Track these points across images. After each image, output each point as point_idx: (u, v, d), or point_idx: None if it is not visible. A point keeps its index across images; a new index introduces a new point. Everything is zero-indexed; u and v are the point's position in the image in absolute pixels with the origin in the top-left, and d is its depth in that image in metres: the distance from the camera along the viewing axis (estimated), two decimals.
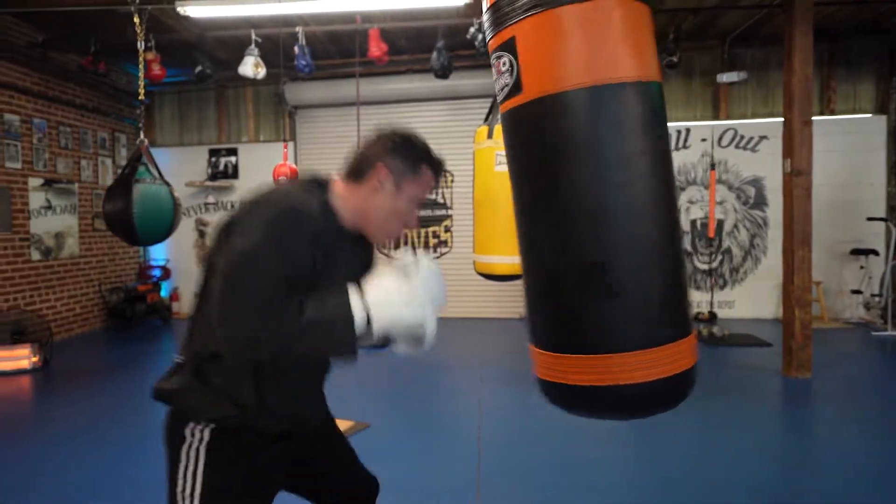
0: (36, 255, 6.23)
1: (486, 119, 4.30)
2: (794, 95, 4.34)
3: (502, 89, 1.37)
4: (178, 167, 7.94)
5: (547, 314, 1.43)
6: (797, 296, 4.44)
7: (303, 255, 1.25)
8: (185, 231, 8.01)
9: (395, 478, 2.89)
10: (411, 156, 1.38)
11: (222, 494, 1.33)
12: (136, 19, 4.46)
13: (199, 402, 1.33)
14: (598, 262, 1.30)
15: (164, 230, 3.84)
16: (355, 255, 1.43)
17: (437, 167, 1.44)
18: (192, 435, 1.33)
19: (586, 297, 1.32)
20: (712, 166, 6.42)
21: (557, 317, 1.39)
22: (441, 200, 7.74)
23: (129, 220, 3.64)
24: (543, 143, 1.35)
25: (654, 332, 1.32)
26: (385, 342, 1.39)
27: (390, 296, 1.26)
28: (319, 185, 1.40)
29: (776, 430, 3.63)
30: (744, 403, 3.96)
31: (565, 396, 1.44)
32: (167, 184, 3.90)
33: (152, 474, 3.00)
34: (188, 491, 1.32)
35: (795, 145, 4.38)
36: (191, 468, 1.33)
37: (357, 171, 1.38)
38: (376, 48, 5.81)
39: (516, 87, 1.35)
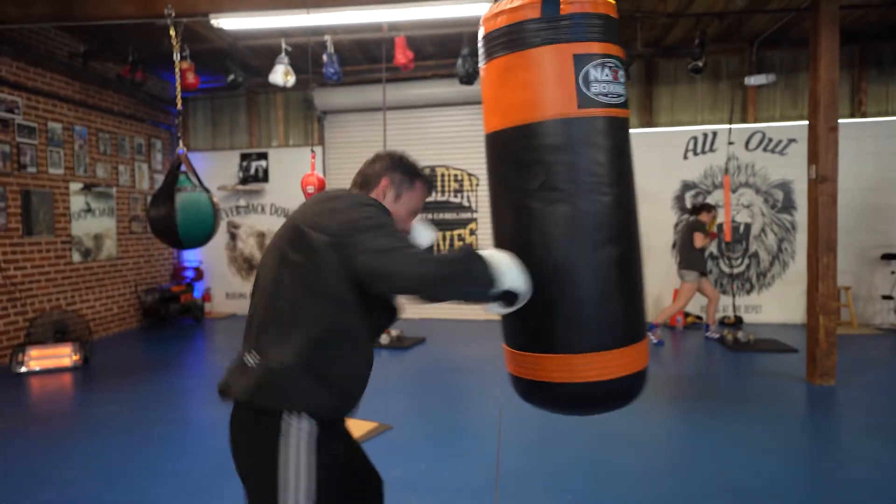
0: (76, 257, 6.50)
1: None
2: (820, 101, 4.32)
3: (618, 96, 1.53)
4: (211, 171, 8.18)
5: (513, 317, 1.61)
6: (822, 303, 4.41)
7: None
8: (218, 234, 8.23)
9: (415, 479, 3.00)
10: (408, 171, 1.64)
11: (334, 490, 1.42)
12: (172, 31, 4.64)
13: (302, 389, 1.38)
14: (552, 271, 1.51)
15: (205, 234, 4.04)
16: None
17: (428, 182, 1.68)
18: (292, 426, 1.36)
19: (543, 303, 1.52)
20: (726, 171, 6.38)
21: (522, 320, 1.58)
22: (466, 204, 7.83)
23: (172, 225, 3.83)
24: (619, 154, 1.56)
25: (602, 338, 1.51)
26: (502, 299, 1.48)
27: (504, 260, 1.44)
28: None
29: (796, 438, 3.63)
30: (766, 410, 3.96)
31: (527, 391, 1.66)
32: (207, 190, 4.08)
33: (187, 469, 3.15)
34: (300, 489, 1.35)
35: (821, 151, 4.35)
36: (300, 463, 1.36)
37: (365, 183, 1.63)
38: (402, 55, 5.92)
39: (626, 104, 1.58)
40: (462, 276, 1.35)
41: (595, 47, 1.48)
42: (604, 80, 1.49)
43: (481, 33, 1.58)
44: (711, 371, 5.15)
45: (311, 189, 3.52)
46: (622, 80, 1.52)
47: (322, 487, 1.37)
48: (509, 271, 1.41)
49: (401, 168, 1.63)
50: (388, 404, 4.22)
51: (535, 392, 1.63)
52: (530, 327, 1.57)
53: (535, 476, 3.05)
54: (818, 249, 4.40)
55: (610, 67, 1.50)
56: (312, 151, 3.91)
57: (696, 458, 3.27)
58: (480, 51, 1.59)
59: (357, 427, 3.63)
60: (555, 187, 1.49)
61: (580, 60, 1.47)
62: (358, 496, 1.60)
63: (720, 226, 6.73)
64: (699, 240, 5.97)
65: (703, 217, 6.12)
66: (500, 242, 1.61)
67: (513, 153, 1.54)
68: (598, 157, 1.50)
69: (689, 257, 6.09)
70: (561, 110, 1.47)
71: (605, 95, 1.49)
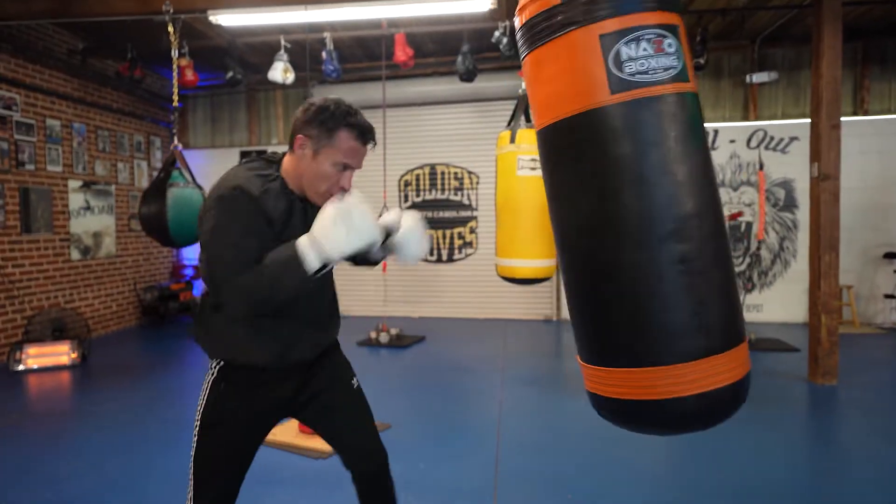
0: (75, 255, 6.48)
1: (509, 124, 4.33)
2: (822, 99, 4.28)
3: (666, 69, 1.34)
4: (210, 169, 8.15)
5: (588, 326, 1.45)
6: (824, 301, 4.38)
7: (251, 221, 1.47)
8: None
9: (414, 478, 2.97)
10: (325, 123, 1.50)
11: (213, 425, 1.60)
12: (171, 28, 4.62)
13: (206, 344, 1.64)
14: (641, 270, 1.33)
15: (196, 232, 3.99)
16: (310, 215, 1.56)
17: (357, 127, 1.53)
18: (210, 368, 1.64)
19: (626, 306, 1.36)
20: (760, 167, 6.27)
21: (599, 329, 1.42)
22: (466, 202, 7.80)
23: (163, 222, 3.78)
24: (685, 137, 1.37)
25: (699, 343, 1.33)
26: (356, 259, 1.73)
27: (326, 223, 1.42)
28: (271, 160, 1.62)
29: (799, 438, 3.60)
30: (768, 410, 3.93)
31: (613, 410, 1.47)
32: (199, 187, 4.04)
33: (186, 469, 3.13)
34: (196, 418, 1.64)
35: (823, 149, 4.32)
36: (201, 398, 1.65)
37: (289, 142, 1.57)
38: (402, 52, 5.89)
39: (683, 75, 1.35)
40: (275, 288, 1.42)
41: (626, 21, 1.32)
42: (641, 56, 1.31)
43: (517, 25, 1.47)
44: None
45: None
46: (672, 49, 1.33)
47: (204, 418, 1.62)
48: (334, 237, 1.41)
49: (317, 120, 1.51)
50: (386, 403, 4.20)
51: (595, 402, 1.52)
52: (588, 336, 1.46)
53: (534, 476, 3.03)
54: (820, 248, 4.37)
55: (649, 39, 1.32)
56: None
57: (697, 457, 3.24)
58: (519, 45, 1.48)
59: None
60: (597, 182, 1.36)
61: (607, 40, 1.32)
62: (239, 442, 1.65)
63: (732, 224, 6.76)
64: None
65: None
66: (559, 247, 1.49)
67: (553, 150, 1.44)
68: (644, 144, 1.33)
69: None
70: (594, 100, 1.33)
71: (645, 73, 1.32)
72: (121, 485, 2.97)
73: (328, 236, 1.40)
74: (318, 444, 3.32)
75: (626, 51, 1.32)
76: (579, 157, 1.40)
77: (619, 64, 1.31)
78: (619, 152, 1.34)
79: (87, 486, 2.96)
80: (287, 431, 3.51)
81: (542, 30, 1.40)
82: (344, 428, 1.73)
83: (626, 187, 1.34)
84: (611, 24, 1.32)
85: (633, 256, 1.34)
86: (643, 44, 1.32)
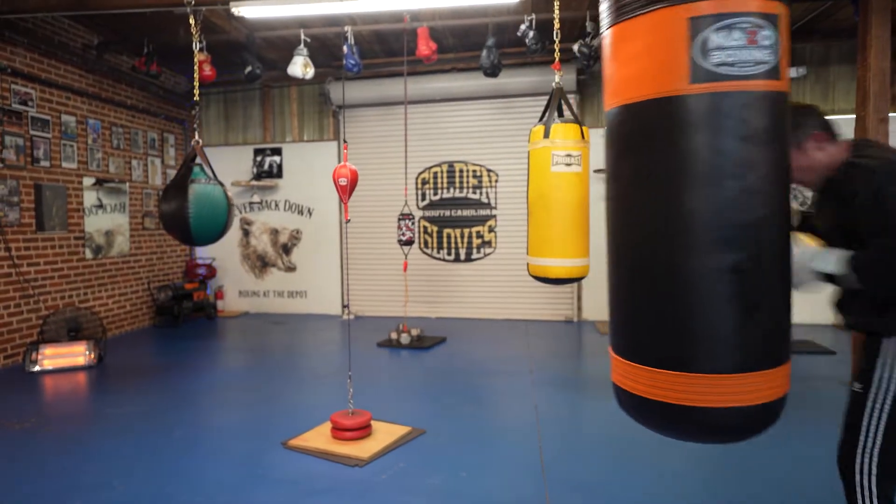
0: (89, 254, 6.36)
1: (542, 118, 4.19)
2: (870, 91, 4.12)
3: (757, 64, 1.23)
4: (224, 167, 8.02)
5: (629, 323, 1.45)
6: None
7: None
8: (231, 230, 8.10)
9: (458, 488, 2.82)
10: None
11: None
12: (192, 20, 4.48)
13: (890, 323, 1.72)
14: (731, 272, 1.29)
15: (218, 230, 3.85)
16: None
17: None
18: (888, 349, 1.71)
19: (669, 310, 1.34)
20: None
21: (639, 326, 1.41)
22: (485, 200, 7.65)
23: (184, 220, 3.64)
24: (772, 136, 1.30)
25: (737, 358, 1.32)
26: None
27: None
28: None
29: None
30: (822, 417, 3.77)
31: (637, 407, 1.47)
32: (221, 184, 3.91)
33: (218, 478, 2.99)
34: (878, 393, 1.73)
35: None
36: (884, 373, 1.71)
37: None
38: (425, 46, 5.75)
39: (775, 72, 1.26)
40: None
41: (722, 5, 1.21)
42: (731, 47, 1.21)
43: None
44: None
45: (343, 181, 3.35)
46: (767, 42, 1.22)
47: None
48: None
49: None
50: (416, 406, 4.06)
51: (620, 396, 1.52)
52: (626, 332, 1.45)
53: (584, 482, 2.88)
54: None
55: (743, 29, 1.20)
56: (345, 143, 3.72)
57: (749, 464, 3.09)
58: (602, 15, 1.43)
59: (390, 432, 3.47)
60: (659, 176, 1.29)
61: (697, 24, 1.21)
62: None
63: None
64: None
65: None
66: (610, 240, 1.46)
67: (618, 134, 1.38)
68: (716, 143, 1.24)
69: None
70: (669, 87, 1.24)
71: (732, 66, 1.21)
72: (153, 494, 2.82)
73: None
74: (354, 450, 3.18)
75: (716, 39, 1.21)
76: (645, 147, 1.32)
77: (705, 52, 1.21)
78: (687, 147, 1.26)
79: (117, 495, 2.82)
80: (320, 437, 3.36)
81: (629, 2, 1.30)
82: None
83: (689, 185, 1.27)
84: (704, 7, 1.22)
85: (684, 260, 1.29)
86: (736, 33, 1.21)
